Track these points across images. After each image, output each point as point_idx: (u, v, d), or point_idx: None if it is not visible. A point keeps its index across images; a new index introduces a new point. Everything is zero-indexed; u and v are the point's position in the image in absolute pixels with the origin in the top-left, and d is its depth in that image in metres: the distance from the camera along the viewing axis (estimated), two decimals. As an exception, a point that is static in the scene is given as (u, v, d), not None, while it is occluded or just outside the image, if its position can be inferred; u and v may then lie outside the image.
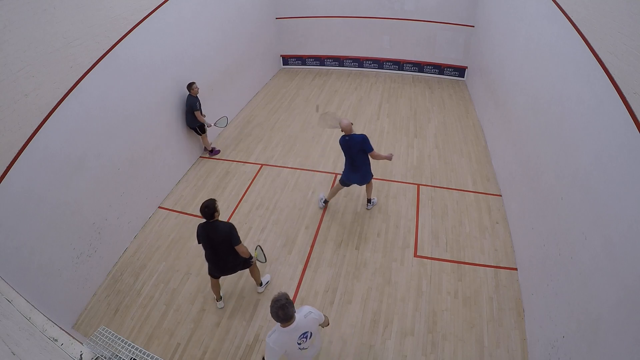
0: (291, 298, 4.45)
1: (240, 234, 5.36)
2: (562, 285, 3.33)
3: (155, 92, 5.64)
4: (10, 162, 3.58)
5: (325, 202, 5.63)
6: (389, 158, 4.97)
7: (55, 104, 3.98)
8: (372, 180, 5.33)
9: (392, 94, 8.90)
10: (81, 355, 2.53)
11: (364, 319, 4.22)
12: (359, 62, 10.09)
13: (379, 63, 9.99)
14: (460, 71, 9.36)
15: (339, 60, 10.22)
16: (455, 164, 6.49)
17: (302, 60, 10.50)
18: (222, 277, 4.36)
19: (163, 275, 4.90)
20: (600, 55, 3.11)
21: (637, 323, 2.26)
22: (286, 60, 10.62)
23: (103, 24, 4.53)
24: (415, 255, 4.91)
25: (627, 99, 2.64)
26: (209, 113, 7.24)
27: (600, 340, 2.61)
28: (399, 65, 9.85)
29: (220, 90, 7.56)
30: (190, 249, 5.21)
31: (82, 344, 2.65)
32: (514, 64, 5.53)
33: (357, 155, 4.88)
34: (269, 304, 2.71)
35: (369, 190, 5.48)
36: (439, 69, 9.51)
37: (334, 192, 5.49)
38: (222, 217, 5.68)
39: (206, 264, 4.08)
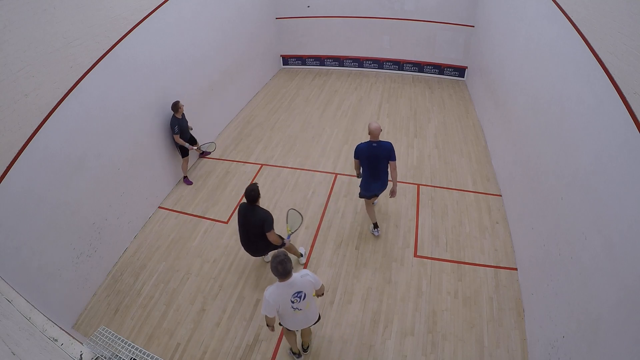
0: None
1: (240, 234, 5.39)
2: (562, 285, 3.33)
3: (155, 92, 5.64)
4: (10, 162, 3.58)
5: (376, 226, 5.17)
6: (395, 187, 4.77)
7: (55, 104, 3.98)
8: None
9: (392, 94, 8.90)
10: (81, 355, 2.53)
11: (364, 319, 4.22)
12: (359, 62, 10.09)
13: (379, 63, 9.99)
14: (460, 71, 9.35)
15: (339, 60, 10.22)
16: (455, 164, 6.49)
17: (302, 60, 10.50)
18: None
19: (163, 275, 4.91)
20: (600, 55, 3.11)
21: (637, 323, 2.25)
22: (286, 60, 10.62)
23: (103, 24, 4.53)
24: (415, 255, 4.91)
25: (627, 99, 2.64)
26: (209, 113, 7.26)
27: (600, 340, 2.61)
28: (399, 65, 9.85)
29: (220, 90, 7.56)
30: (190, 249, 5.21)
31: (82, 344, 2.65)
32: (514, 64, 5.53)
33: (381, 163, 4.63)
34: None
35: (372, 213, 5.16)
36: (439, 69, 9.51)
37: (371, 212, 5.14)
38: (223, 217, 5.70)
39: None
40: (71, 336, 2.66)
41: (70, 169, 4.28)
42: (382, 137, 7.23)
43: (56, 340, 2.58)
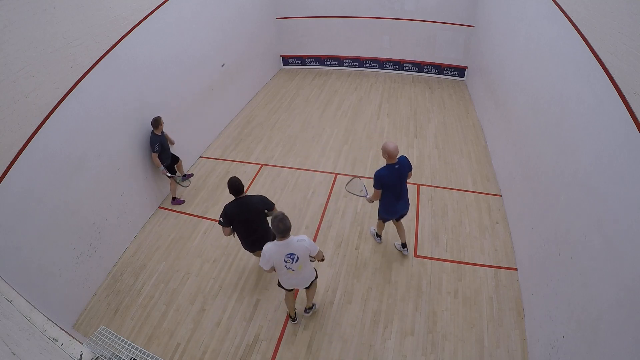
0: (291, 298, 4.47)
1: (240, 234, 5.38)
2: (562, 285, 3.32)
3: (155, 92, 5.64)
4: (10, 162, 3.58)
5: (379, 235, 5.06)
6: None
7: (55, 104, 3.98)
8: None
9: (392, 94, 8.90)
10: (81, 355, 2.53)
11: (364, 319, 4.22)
12: (359, 62, 10.09)
13: (379, 63, 9.98)
14: (460, 71, 9.35)
15: (339, 60, 10.22)
16: (455, 164, 6.49)
17: (302, 60, 10.50)
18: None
19: (163, 275, 4.90)
20: (600, 55, 3.10)
21: (637, 323, 2.25)
22: (286, 60, 10.62)
23: (103, 24, 4.53)
24: (415, 255, 4.91)
25: (627, 99, 2.64)
26: (209, 113, 7.26)
27: (600, 340, 2.61)
28: (399, 65, 9.84)
29: (220, 90, 7.56)
30: (190, 249, 5.21)
31: (82, 344, 2.65)
32: (514, 64, 5.53)
33: (404, 180, 4.27)
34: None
35: (401, 232, 4.75)
36: (439, 69, 9.51)
37: (380, 227, 4.91)
38: (222, 217, 5.69)
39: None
40: (71, 336, 2.66)
41: (70, 169, 4.28)
42: (382, 137, 7.28)
43: (56, 340, 2.58)
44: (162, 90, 5.80)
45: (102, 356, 2.59)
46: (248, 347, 4.05)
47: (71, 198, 4.30)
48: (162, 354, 4.03)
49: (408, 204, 4.47)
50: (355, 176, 4.24)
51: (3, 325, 2.37)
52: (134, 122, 5.23)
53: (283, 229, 3.23)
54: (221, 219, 3.97)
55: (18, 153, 3.64)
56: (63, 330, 2.69)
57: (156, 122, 5.24)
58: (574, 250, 3.18)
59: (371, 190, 4.30)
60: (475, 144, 6.95)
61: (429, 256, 4.88)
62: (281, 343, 4.06)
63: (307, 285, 3.85)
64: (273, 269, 3.51)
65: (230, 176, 3.99)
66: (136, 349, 2.74)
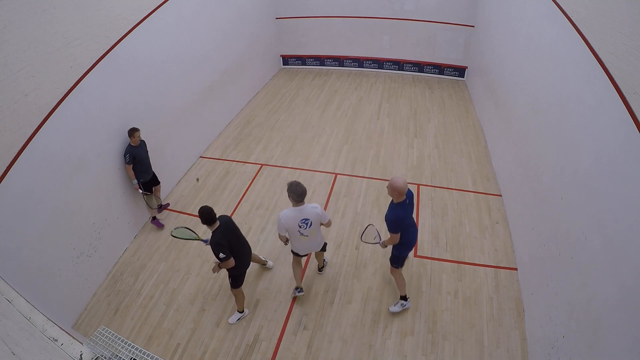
0: (291, 298, 4.47)
1: (240, 234, 5.38)
2: (562, 285, 3.32)
3: (155, 92, 5.64)
4: (10, 162, 3.58)
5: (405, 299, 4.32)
6: None
7: (55, 104, 3.98)
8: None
9: (392, 94, 8.90)
10: (81, 355, 2.53)
11: (364, 319, 4.22)
12: (359, 62, 10.09)
13: (379, 63, 9.98)
14: (460, 71, 9.35)
15: (339, 60, 10.22)
16: (455, 164, 6.49)
17: (302, 60, 10.50)
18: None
19: (163, 275, 4.90)
20: (600, 55, 3.11)
21: (637, 323, 2.25)
22: (286, 60, 10.62)
23: (103, 24, 4.53)
24: (415, 255, 4.91)
25: (627, 99, 2.64)
26: (209, 113, 7.25)
27: (600, 340, 2.61)
28: (399, 65, 9.84)
29: (220, 90, 7.56)
30: (190, 249, 5.21)
31: (82, 344, 2.65)
32: (514, 64, 5.53)
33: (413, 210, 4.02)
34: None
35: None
36: (439, 69, 9.51)
37: (401, 277, 4.29)
38: (222, 217, 5.69)
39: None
40: (71, 336, 2.66)
41: (70, 169, 4.28)
42: (382, 137, 7.28)
43: (56, 340, 2.58)
44: (162, 90, 5.80)
45: (102, 356, 2.59)
46: (248, 347, 4.05)
47: (71, 198, 4.30)
48: (162, 354, 4.03)
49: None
50: (369, 224, 4.03)
51: (3, 325, 2.37)
52: (134, 122, 5.22)
53: (301, 191, 3.59)
54: (223, 254, 3.60)
55: (18, 153, 3.64)
56: (63, 330, 2.69)
57: (131, 133, 4.94)
58: (574, 250, 3.18)
59: (385, 235, 3.91)
60: (475, 144, 6.95)
61: (429, 256, 4.88)
62: (281, 343, 4.06)
63: (320, 249, 4.22)
64: (286, 238, 3.88)
65: (204, 205, 3.68)
66: (136, 349, 2.74)
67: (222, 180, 6.45)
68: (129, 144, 5.00)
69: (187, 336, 4.19)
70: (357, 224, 5.41)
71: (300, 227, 3.75)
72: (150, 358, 2.64)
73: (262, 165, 6.76)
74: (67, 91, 4.12)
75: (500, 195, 5.74)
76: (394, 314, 4.23)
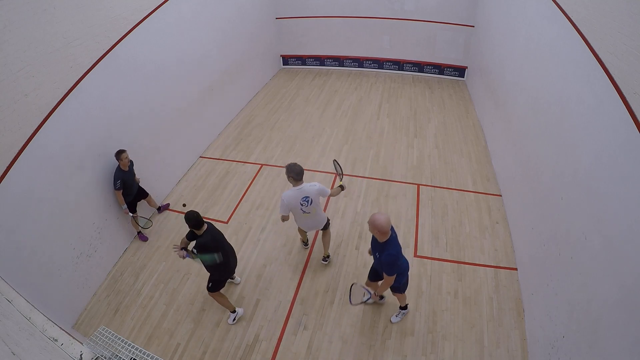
0: (291, 298, 4.47)
1: (240, 233, 5.40)
2: (562, 285, 3.32)
3: (155, 92, 5.64)
4: (10, 162, 3.58)
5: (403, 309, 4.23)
6: None
7: (55, 104, 3.99)
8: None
9: (392, 94, 8.90)
10: (81, 355, 2.53)
11: (364, 319, 4.22)
12: (359, 62, 10.09)
13: (379, 63, 9.98)
14: (460, 71, 9.35)
15: (339, 60, 10.22)
16: (455, 164, 6.49)
17: (302, 60, 10.50)
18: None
19: (163, 275, 4.90)
20: (600, 55, 3.11)
21: (637, 323, 2.25)
22: (286, 60, 10.62)
23: (103, 24, 4.53)
24: (415, 255, 4.91)
25: (627, 99, 2.64)
26: (209, 113, 7.25)
27: (600, 340, 2.61)
28: (399, 65, 9.84)
29: (220, 90, 7.56)
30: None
31: (82, 344, 2.65)
32: (514, 64, 5.53)
33: None
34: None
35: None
36: (439, 69, 9.51)
37: (403, 297, 4.09)
38: (223, 217, 5.70)
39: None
40: (71, 336, 2.66)
41: (70, 169, 4.28)
42: (382, 137, 7.27)
43: (56, 340, 2.58)
44: (162, 90, 5.80)
45: (102, 356, 2.59)
46: (248, 347, 4.05)
47: (71, 198, 4.30)
48: (162, 354, 4.03)
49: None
50: (352, 284, 3.75)
51: (3, 325, 2.37)
52: (134, 122, 5.23)
53: (299, 170, 3.84)
54: (211, 255, 3.58)
55: (18, 153, 3.64)
56: (63, 330, 2.69)
57: (118, 155, 4.67)
58: (574, 250, 3.18)
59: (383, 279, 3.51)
60: (475, 144, 6.95)
61: (429, 256, 4.88)
62: (281, 343, 4.06)
63: (322, 228, 4.43)
64: (287, 216, 4.08)
65: (190, 210, 3.61)
66: (136, 349, 2.74)
67: (222, 180, 6.45)
68: (119, 168, 4.73)
69: (187, 336, 4.19)
70: (357, 224, 5.41)
71: (302, 205, 3.98)
72: (150, 358, 2.64)
73: (262, 165, 6.76)
74: (67, 91, 4.12)
75: (500, 195, 5.74)
76: (394, 313, 4.23)
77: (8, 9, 3.41)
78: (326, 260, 4.81)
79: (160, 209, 5.83)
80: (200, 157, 7.12)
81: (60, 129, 4.07)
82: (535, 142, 4.45)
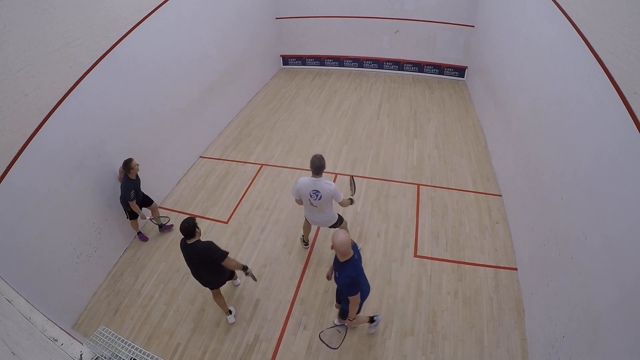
0: (291, 298, 4.48)
1: (240, 233, 5.39)
2: (562, 285, 3.33)
3: (155, 92, 5.64)
4: (11, 162, 3.58)
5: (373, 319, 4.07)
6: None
7: (55, 104, 3.98)
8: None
9: (392, 94, 8.90)
10: (81, 355, 2.53)
11: (364, 319, 4.22)
12: (359, 62, 10.09)
13: (379, 63, 9.98)
14: (460, 71, 9.35)
15: (339, 60, 10.22)
16: (455, 164, 6.49)
17: (302, 60, 10.50)
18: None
19: (163, 275, 4.90)
20: (600, 55, 3.11)
21: (637, 323, 2.26)
22: (286, 60, 10.62)
23: (103, 24, 4.53)
24: (415, 255, 4.91)
25: (627, 99, 2.64)
26: (209, 113, 7.25)
27: (600, 340, 2.61)
28: (399, 65, 9.84)
29: (220, 90, 7.56)
30: (190, 249, 5.21)
31: (82, 344, 2.65)
32: (514, 64, 5.53)
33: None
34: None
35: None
36: (439, 69, 9.51)
37: (362, 318, 3.93)
38: (223, 217, 5.69)
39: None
40: (71, 336, 2.66)
41: (70, 169, 4.28)
42: (382, 137, 7.27)
43: (56, 340, 2.58)
44: (162, 90, 5.80)
45: (102, 356, 2.59)
46: (248, 347, 4.05)
47: (71, 198, 4.30)
48: (162, 354, 4.03)
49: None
50: (320, 332, 3.68)
51: (3, 325, 2.37)
52: (134, 122, 5.23)
53: (318, 165, 3.88)
54: (223, 252, 3.63)
55: (18, 153, 3.64)
56: (63, 330, 2.69)
57: (127, 166, 4.57)
58: (574, 250, 3.18)
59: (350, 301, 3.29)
60: (475, 144, 6.95)
61: (429, 256, 4.88)
62: (281, 343, 4.06)
63: (329, 226, 4.37)
64: (300, 201, 4.17)
65: (186, 217, 3.51)
66: (136, 349, 2.74)
67: (222, 180, 6.45)
68: (127, 178, 4.63)
69: (187, 336, 4.19)
70: (357, 224, 5.41)
71: (311, 196, 4.01)
72: (150, 358, 2.64)
73: (262, 165, 6.76)
74: (67, 91, 4.12)
75: (500, 195, 5.74)
76: (394, 314, 4.23)
77: (8, 9, 3.41)
78: (307, 245, 4.99)
79: (161, 227, 5.48)
80: (200, 157, 7.12)
81: (60, 129, 4.07)
82: (535, 142, 4.45)
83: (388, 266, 4.77)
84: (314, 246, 5.13)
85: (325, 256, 4.97)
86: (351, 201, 4.22)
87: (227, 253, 3.63)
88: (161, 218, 5.18)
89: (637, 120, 2.50)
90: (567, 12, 3.86)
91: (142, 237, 5.44)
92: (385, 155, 6.79)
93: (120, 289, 4.77)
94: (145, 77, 5.38)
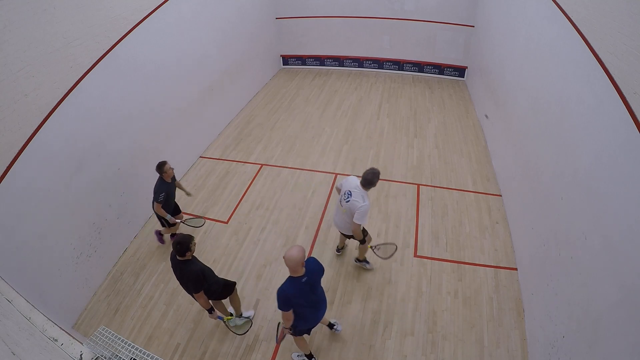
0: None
1: (240, 233, 5.39)
2: (562, 285, 3.33)
3: (155, 92, 5.63)
4: (11, 162, 3.58)
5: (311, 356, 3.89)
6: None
7: (55, 104, 3.98)
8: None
9: (392, 94, 8.90)
10: (81, 355, 2.53)
11: (364, 319, 4.22)
12: (359, 62, 10.09)
13: (379, 63, 9.98)
14: (460, 71, 9.35)
15: (339, 60, 10.22)
16: (455, 164, 6.49)
17: (302, 60, 10.50)
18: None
19: (163, 275, 4.90)
20: (600, 55, 3.11)
21: (637, 323, 2.26)
22: (286, 60, 10.62)
23: (103, 24, 4.53)
24: (415, 255, 4.91)
25: (627, 99, 2.64)
26: (209, 113, 7.25)
27: (600, 340, 2.61)
28: (399, 65, 9.84)
29: (220, 90, 7.56)
30: (190, 249, 5.20)
31: (82, 344, 2.65)
32: (514, 64, 5.53)
33: (318, 287, 3.33)
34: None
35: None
36: (439, 69, 9.51)
37: (303, 344, 3.74)
38: (223, 217, 5.69)
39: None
40: (71, 336, 2.66)
41: (71, 169, 4.28)
42: (382, 137, 7.27)
43: (56, 340, 2.58)
44: (162, 90, 5.80)
45: (102, 356, 2.59)
46: (248, 347, 4.05)
47: (71, 198, 4.30)
48: (162, 354, 4.03)
49: (326, 303, 3.52)
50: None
51: (3, 325, 2.37)
52: (134, 122, 5.23)
53: (368, 178, 3.82)
54: (200, 285, 3.47)
55: (18, 153, 3.64)
56: (63, 330, 2.69)
57: (160, 169, 4.43)
58: (574, 250, 3.18)
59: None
60: (475, 144, 6.95)
61: (429, 256, 4.88)
62: (281, 343, 4.05)
63: (345, 234, 4.31)
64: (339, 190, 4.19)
65: (184, 235, 3.35)
66: (136, 349, 2.74)
67: (222, 180, 6.45)
68: (161, 180, 4.48)
69: (187, 336, 4.19)
70: (357, 224, 5.40)
71: (343, 196, 4.05)
72: (150, 358, 2.64)
73: (262, 165, 6.76)
74: (67, 91, 4.11)
75: (500, 195, 5.74)
76: (394, 314, 4.23)
77: (8, 9, 3.41)
78: (339, 252, 4.94)
79: (173, 236, 5.22)
80: (200, 157, 7.12)
81: (60, 129, 4.07)
82: (535, 142, 4.45)
83: (388, 266, 4.78)
84: (314, 246, 5.13)
85: (325, 256, 4.97)
86: (364, 242, 4.17)
87: (202, 289, 3.42)
88: (196, 220, 4.86)
89: (637, 120, 2.50)
90: (567, 12, 3.86)
91: (160, 239, 5.24)
92: (385, 155, 6.79)
93: (120, 289, 4.77)
94: (145, 77, 5.37)
